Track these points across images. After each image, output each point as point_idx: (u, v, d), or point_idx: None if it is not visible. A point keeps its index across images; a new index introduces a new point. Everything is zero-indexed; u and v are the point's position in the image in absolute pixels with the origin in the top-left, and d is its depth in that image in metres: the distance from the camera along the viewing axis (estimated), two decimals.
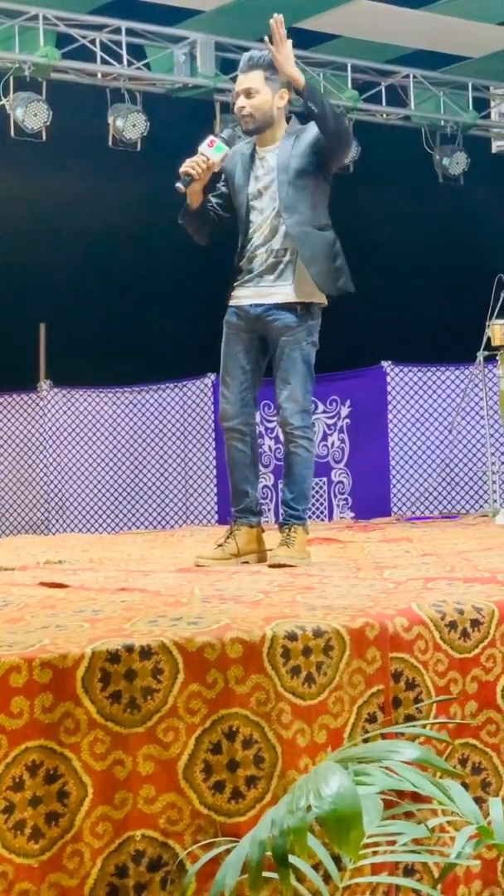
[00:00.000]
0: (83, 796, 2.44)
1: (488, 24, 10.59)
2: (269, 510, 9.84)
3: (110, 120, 10.44)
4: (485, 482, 9.69)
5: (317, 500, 10.12)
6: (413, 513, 9.93)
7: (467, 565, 4.34)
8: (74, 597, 3.52)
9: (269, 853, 1.89)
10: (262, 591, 3.53)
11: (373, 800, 2.08)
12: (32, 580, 4.24)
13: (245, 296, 4.93)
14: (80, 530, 10.54)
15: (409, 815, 2.42)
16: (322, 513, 10.18)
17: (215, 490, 10.54)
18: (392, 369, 10.14)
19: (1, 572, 4.88)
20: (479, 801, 2.88)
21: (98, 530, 10.59)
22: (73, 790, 2.43)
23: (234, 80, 5.25)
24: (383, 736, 2.72)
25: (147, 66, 10.60)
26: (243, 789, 2.60)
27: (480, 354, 9.14)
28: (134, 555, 5.92)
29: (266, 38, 4.78)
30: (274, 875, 1.97)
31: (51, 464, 10.69)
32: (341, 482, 10.16)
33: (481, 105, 12.28)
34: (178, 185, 4.81)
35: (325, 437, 10.19)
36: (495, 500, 9.18)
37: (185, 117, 10.42)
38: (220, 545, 4.90)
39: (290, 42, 4.79)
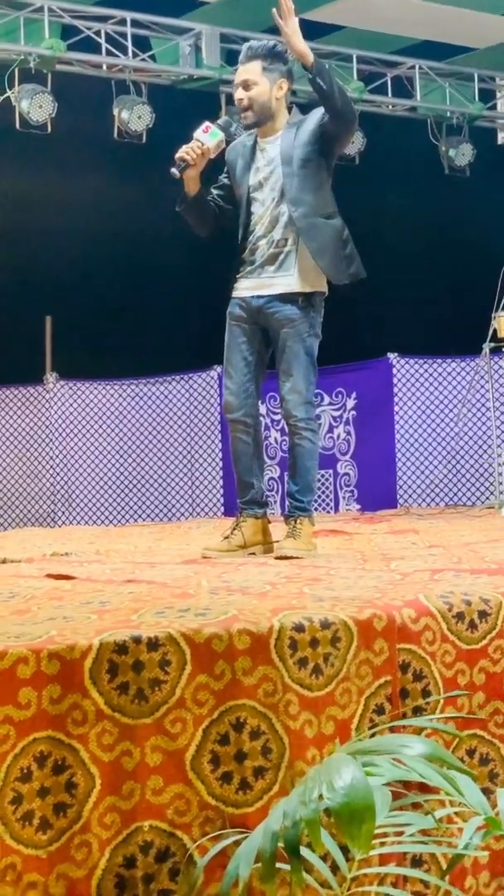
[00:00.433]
0: (91, 787, 2.44)
1: (494, 15, 10.56)
2: (275, 502, 9.84)
3: (115, 112, 10.44)
4: (491, 474, 9.68)
5: (323, 492, 10.12)
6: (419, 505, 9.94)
7: (474, 557, 4.34)
8: (81, 588, 3.52)
9: (280, 844, 1.89)
10: (269, 582, 3.53)
11: (381, 791, 2.08)
12: (39, 572, 4.24)
13: (247, 287, 4.92)
14: (87, 522, 10.55)
15: (416, 806, 2.42)
16: (328, 505, 10.18)
17: (221, 482, 10.54)
18: (398, 361, 10.13)
19: (7, 564, 4.89)
20: (486, 792, 2.88)
21: (104, 522, 10.59)
22: (81, 781, 2.44)
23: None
24: (391, 728, 2.72)
25: (152, 57, 10.59)
26: (251, 780, 2.60)
27: (486, 346, 9.13)
28: (140, 547, 5.92)
29: (273, 10, 4.75)
30: (282, 866, 1.97)
31: (57, 456, 10.69)
32: (347, 474, 10.15)
33: (487, 96, 12.25)
34: (173, 170, 4.81)
35: (330, 429, 10.19)
36: (501, 492, 9.17)
37: (190, 109, 10.39)
38: (227, 537, 4.90)
39: (296, 19, 4.74)
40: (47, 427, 10.71)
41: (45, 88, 9.98)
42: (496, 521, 7.44)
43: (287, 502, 4.96)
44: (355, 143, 11.19)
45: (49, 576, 3.98)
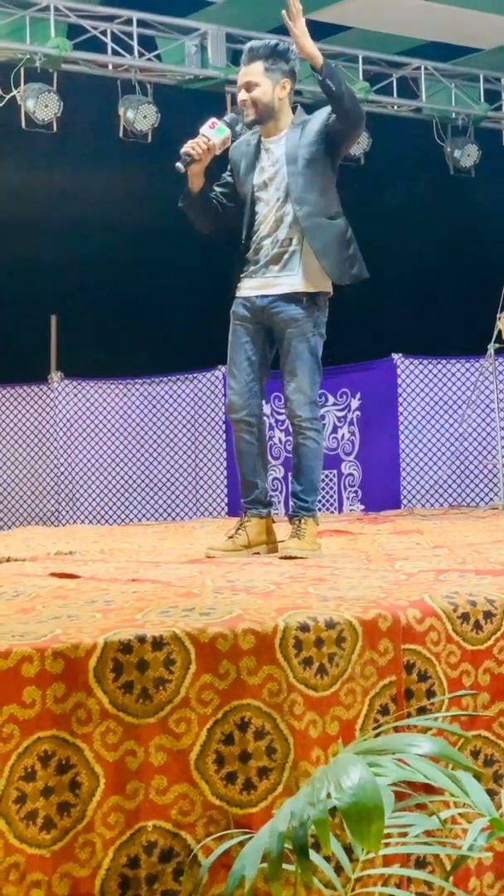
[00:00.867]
0: (95, 787, 2.44)
1: (500, 16, 10.55)
2: (279, 502, 9.83)
3: (121, 111, 10.43)
4: (495, 475, 9.67)
5: (327, 492, 10.12)
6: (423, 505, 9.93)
7: (479, 557, 4.33)
8: (86, 587, 3.52)
9: (287, 845, 1.88)
10: (273, 582, 3.52)
11: (384, 791, 2.08)
12: (43, 570, 4.24)
13: (251, 287, 4.92)
14: (91, 521, 10.55)
15: (420, 807, 2.42)
16: (332, 505, 10.17)
17: (225, 482, 10.53)
18: (402, 362, 10.12)
19: (11, 563, 4.89)
20: (491, 793, 2.87)
21: (108, 521, 10.59)
22: (85, 780, 2.43)
23: None
24: (396, 729, 2.72)
25: (158, 57, 10.58)
26: (255, 780, 2.60)
27: (491, 347, 9.12)
28: (144, 546, 5.92)
29: (283, 12, 4.74)
30: (286, 867, 1.96)
31: (61, 455, 10.69)
32: (351, 475, 10.15)
33: (493, 97, 12.24)
34: (178, 164, 4.80)
35: (335, 430, 10.18)
36: None
37: (196, 109, 10.39)
38: (231, 536, 4.90)
39: (304, 21, 4.73)
40: (52, 426, 10.71)
41: (51, 87, 9.98)
42: (500, 521, 7.43)
43: (291, 502, 4.95)
44: (360, 144, 11.18)
45: (53, 574, 3.98)
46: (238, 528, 4.91)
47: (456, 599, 3.05)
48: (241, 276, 4.95)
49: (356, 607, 2.90)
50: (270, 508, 5.03)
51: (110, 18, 10.25)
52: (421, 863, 2.77)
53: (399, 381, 10.11)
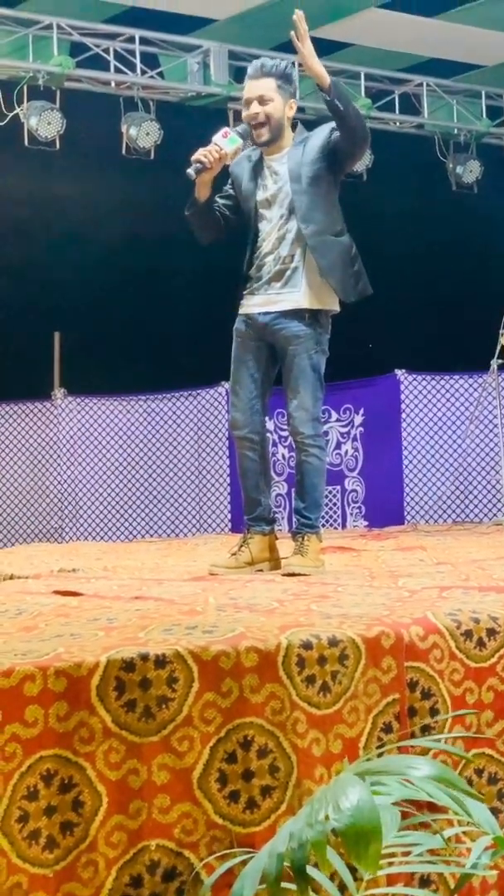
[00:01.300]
0: (98, 806, 2.43)
1: (501, 33, 10.59)
2: (282, 518, 9.83)
3: (124, 128, 10.47)
4: (499, 490, 9.67)
5: (330, 508, 10.11)
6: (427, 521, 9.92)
7: (482, 574, 4.32)
8: (88, 605, 3.52)
9: (287, 864, 1.88)
10: (276, 599, 3.52)
11: (390, 810, 2.07)
12: (46, 588, 4.23)
13: (253, 304, 4.92)
14: (94, 538, 10.54)
15: (424, 826, 2.41)
16: (336, 521, 10.16)
17: (228, 498, 10.52)
18: (405, 377, 10.12)
19: (14, 580, 4.88)
20: (495, 811, 2.87)
21: (112, 538, 10.58)
22: (88, 799, 2.43)
23: None
24: (399, 748, 2.71)
25: (161, 74, 10.62)
26: (258, 799, 2.59)
27: (494, 363, 9.12)
28: (148, 563, 5.91)
29: (291, 33, 4.75)
30: (289, 885, 1.95)
31: (65, 472, 10.69)
32: (355, 491, 10.14)
33: (495, 113, 12.27)
34: (190, 171, 4.78)
35: (338, 446, 10.18)
36: None
37: (198, 125, 10.43)
38: (234, 554, 4.89)
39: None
40: (55, 443, 10.72)
41: (54, 105, 10.02)
42: None
43: (294, 519, 4.95)
44: (363, 160, 11.20)
45: (56, 592, 3.97)
46: (241, 545, 4.91)
47: (459, 617, 3.04)
48: (244, 292, 4.95)
49: (359, 625, 2.90)
50: (273, 525, 5.03)
51: (113, 36, 10.30)
52: (425, 881, 2.76)
53: (402, 396, 10.11)
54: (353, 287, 4.87)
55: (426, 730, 2.87)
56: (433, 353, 10.70)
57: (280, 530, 6.13)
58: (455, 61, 11.40)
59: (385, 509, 9.97)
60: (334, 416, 10.09)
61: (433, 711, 2.89)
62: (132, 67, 10.40)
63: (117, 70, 10.37)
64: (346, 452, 10.15)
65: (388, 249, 10.91)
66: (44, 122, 9.93)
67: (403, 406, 10.10)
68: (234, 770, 2.58)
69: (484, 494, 9.96)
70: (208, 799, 2.55)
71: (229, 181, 5.04)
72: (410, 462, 10.05)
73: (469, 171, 12.11)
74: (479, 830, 2.08)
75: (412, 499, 10.03)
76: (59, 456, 10.69)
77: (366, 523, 10.00)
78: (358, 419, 10.12)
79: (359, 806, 1.87)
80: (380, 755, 2.61)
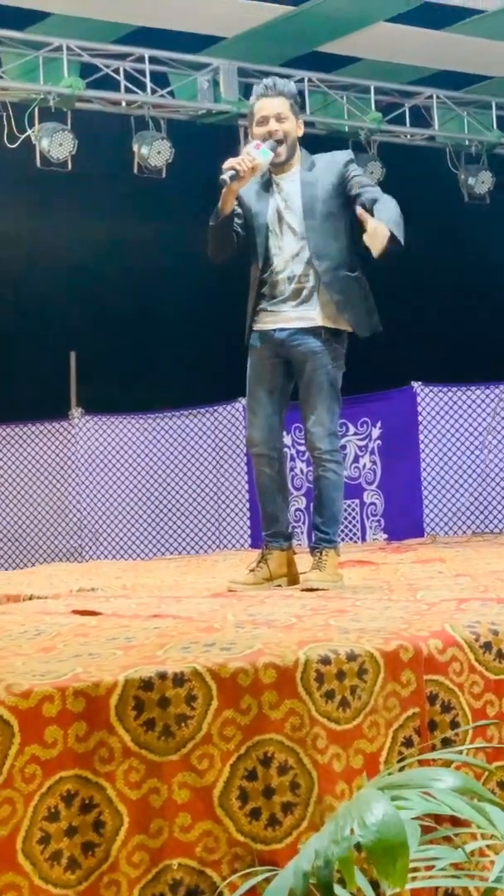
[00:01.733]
0: (119, 825, 2.43)
1: None
2: (301, 533, 9.82)
3: (135, 148, 10.51)
4: None
5: (349, 521, 10.10)
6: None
7: (501, 585, 4.31)
8: (107, 624, 3.52)
9: (312, 882, 1.87)
10: (294, 615, 3.51)
11: (411, 824, 2.06)
12: (65, 608, 4.23)
13: (269, 321, 4.91)
14: (114, 557, 10.55)
15: (447, 840, 2.40)
16: (355, 535, 10.15)
17: (248, 514, 10.52)
18: (422, 390, 10.12)
19: (34, 601, 4.89)
20: None
21: (131, 557, 10.59)
22: (109, 819, 2.42)
23: None
24: (420, 761, 2.70)
25: (171, 93, 10.65)
26: (280, 816, 2.58)
27: None
28: (167, 581, 5.91)
29: (364, 238, 4.69)
30: None
31: (83, 491, 10.71)
32: (374, 504, 10.13)
33: None
34: (224, 177, 4.73)
35: (356, 459, 10.17)
36: None
37: (209, 143, 10.47)
38: (252, 570, 4.89)
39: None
40: (73, 462, 10.73)
41: (65, 126, 10.06)
42: None
43: (313, 534, 4.95)
44: (374, 174, 11.23)
45: (75, 612, 3.98)
46: (259, 561, 4.91)
47: (478, 629, 3.03)
48: (258, 308, 4.95)
49: (377, 639, 2.89)
50: (291, 541, 5.02)
51: (123, 56, 10.34)
52: (449, 895, 2.74)
53: (419, 409, 10.10)
54: (367, 323, 4.87)
55: (447, 743, 2.86)
56: (449, 364, 10.69)
57: (299, 545, 6.12)
58: (464, 73, 11.40)
59: (404, 522, 9.96)
60: (352, 429, 10.09)
61: (454, 724, 2.88)
62: (142, 87, 10.43)
63: (127, 90, 10.41)
64: (365, 466, 10.15)
65: (401, 262, 10.91)
66: (55, 144, 9.97)
67: (420, 418, 10.10)
68: (254, 787, 2.57)
69: (503, 505, 9.94)
70: (230, 817, 2.54)
71: (236, 200, 5.02)
72: (429, 474, 10.04)
73: (481, 181, 12.11)
74: (502, 843, 2.07)
75: (431, 511, 10.01)
76: (77, 475, 10.71)
77: (385, 536, 9.98)
78: (375, 432, 10.12)
79: (384, 821, 1.86)
80: (401, 769, 2.60)
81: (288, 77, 5.70)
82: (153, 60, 10.45)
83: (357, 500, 10.13)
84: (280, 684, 2.64)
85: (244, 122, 10.72)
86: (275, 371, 4.92)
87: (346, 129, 11.35)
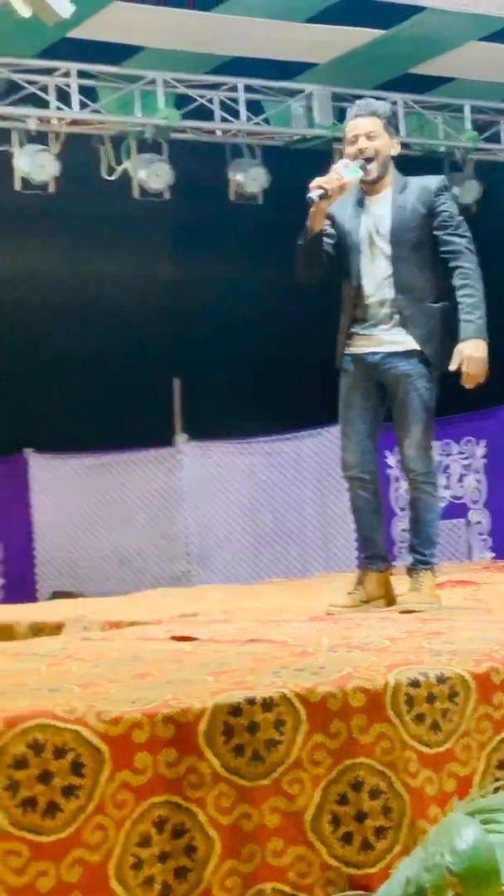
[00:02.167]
0: (211, 851, 2.45)
1: None
2: (407, 552, 9.75)
3: (231, 175, 10.59)
4: None
5: (455, 541, 10.01)
6: None
7: None
8: (203, 650, 3.55)
9: None
10: (389, 637, 3.51)
11: (501, 848, 2.05)
12: (165, 634, 4.27)
13: (361, 344, 4.91)
14: (222, 581, 10.57)
15: None
16: (461, 554, 10.06)
17: (354, 536, 10.48)
18: None
19: (136, 626, 4.94)
20: None
21: (238, 581, 10.61)
22: (201, 845, 2.45)
23: None
24: None
25: (265, 120, 10.72)
26: (372, 840, 2.59)
27: None
28: (270, 604, 5.93)
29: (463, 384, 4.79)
30: None
31: (190, 517, 10.77)
32: (480, 522, 10.03)
33: None
34: (311, 195, 4.72)
35: (461, 478, 10.08)
36: None
37: (304, 168, 10.50)
38: (350, 593, 4.89)
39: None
40: (179, 488, 10.81)
41: (162, 157, 10.19)
42: None
43: (410, 556, 4.94)
44: (471, 192, 11.19)
45: (173, 638, 4.01)
46: (357, 584, 4.91)
47: None
48: (350, 331, 4.94)
49: (469, 661, 2.88)
50: (388, 563, 5.01)
51: (216, 86, 10.43)
52: None
53: None
54: (448, 357, 4.80)
55: None
56: None
57: (401, 565, 6.08)
58: None
59: None
60: (456, 448, 10.01)
61: None
62: (236, 115, 10.52)
63: (222, 119, 10.50)
64: (470, 484, 10.06)
65: (498, 278, 10.83)
66: (152, 174, 10.10)
67: None
68: (346, 811, 2.58)
69: None
70: (321, 841, 2.55)
71: (328, 219, 5.02)
72: None
73: None
74: None
75: None
76: (183, 501, 10.78)
77: (493, 555, 9.88)
78: (480, 451, 10.02)
79: (475, 846, 1.86)
80: (495, 791, 2.58)
81: (382, 100, 5.69)
82: (247, 89, 10.53)
83: (463, 520, 10.04)
84: (369, 708, 2.65)
85: (339, 145, 10.75)
86: (368, 394, 4.92)
87: (443, 149, 11.32)
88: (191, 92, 10.32)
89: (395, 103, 10.67)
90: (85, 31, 9.16)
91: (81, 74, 9.88)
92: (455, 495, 9.83)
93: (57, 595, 10.25)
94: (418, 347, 4.82)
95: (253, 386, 11.50)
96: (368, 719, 2.64)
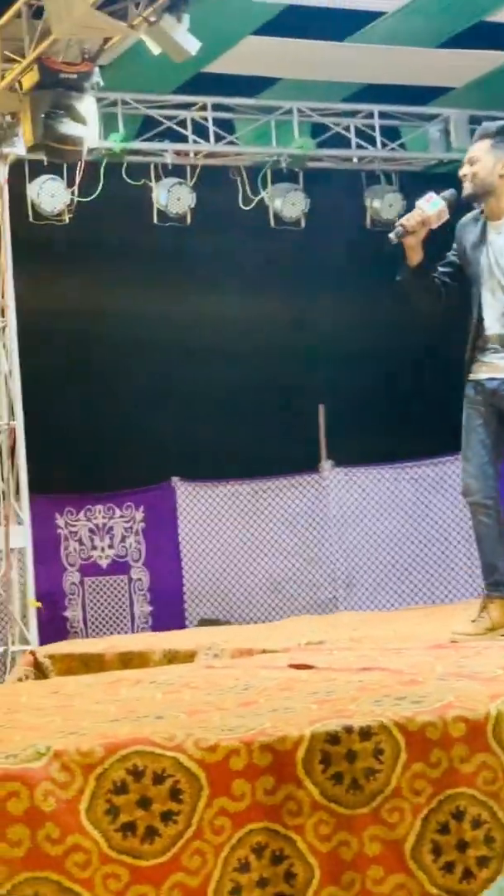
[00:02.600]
0: (310, 877, 2.48)
1: None
2: None
3: (367, 202, 10.61)
4: None
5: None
6: None
7: None
8: (316, 678, 3.56)
9: None
10: (503, 666, 3.48)
11: None
12: (286, 662, 4.30)
13: (482, 370, 4.90)
14: (368, 607, 10.54)
15: None
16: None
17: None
18: None
19: (262, 655, 4.98)
20: None
21: (385, 607, 10.57)
22: (300, 871, 2.47)
23: None
24: None
25: (402, 145, 10.73)
26: (474, 869, 2.58)
27: None
28: (401, 631, 5.90)
29: None
30: None
31: (336, 543, 10.78)
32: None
33: None
34: (391, 235, 4.80)
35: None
36: None
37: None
38: (475, 620, 4.86)
39: None
40: (325, 514, 10.83)
41: (297, 186, 10.28)
42: None
43: None
44: None
45: (291, 665, 4.04)
46: (481, 611, 4.87)
47: None
48: (472, 357, 4.94)
49: None
50: None
51: (352, 114, 10.47)
52: None
53: None
54: None
55: None
56: None
57: None
58: None
59: None
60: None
61: None
62: (372, 141, 10.54)
63: (358, 146, 10.54)
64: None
65: None
66: (288, 203, 10.20)
67: None
68: (447, 841, 2.58)
69: None
70: (422, 870, 2.56)
71: (454, 246, 5.03)
72: None
73: None
74: None
75: None
76: (329, 527, 10.80)
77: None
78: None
79: None
80: None
81: None
82: (382, 115, 10.55)
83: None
84: (470, 738, 2.65)
85: None
86: (488, 420, 4.90)
87: None
88: (326, 120, 10.39)
89: None
90: (220, 66, 9.31)
91: (217, 108, 10.03)
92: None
93: (204, 622, 10.38)
94: None
95: (396, 412, 11.47)
96: (470, 749, 2.64)
